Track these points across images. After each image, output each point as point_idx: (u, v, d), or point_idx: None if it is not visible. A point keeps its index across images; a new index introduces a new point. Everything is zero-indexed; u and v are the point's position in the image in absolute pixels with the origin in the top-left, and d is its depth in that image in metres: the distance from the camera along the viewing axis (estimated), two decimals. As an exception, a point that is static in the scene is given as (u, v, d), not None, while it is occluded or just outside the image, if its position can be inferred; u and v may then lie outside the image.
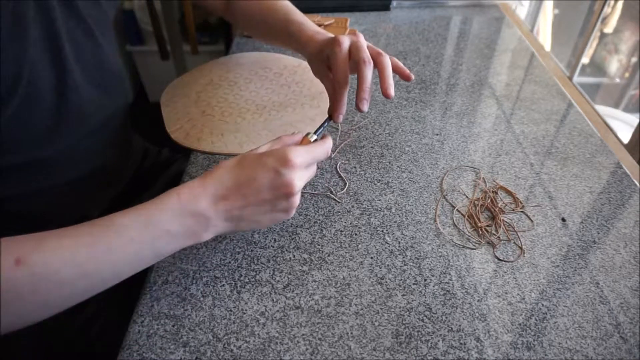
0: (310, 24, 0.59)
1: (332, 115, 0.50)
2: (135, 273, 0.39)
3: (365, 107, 0.47)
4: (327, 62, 0.52)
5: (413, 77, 0.52)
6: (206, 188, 0.39)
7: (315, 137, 0.47)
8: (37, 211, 0.50)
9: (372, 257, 0.48)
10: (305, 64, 0.74)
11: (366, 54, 0.48)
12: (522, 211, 0.53)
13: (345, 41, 0.49)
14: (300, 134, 0.46)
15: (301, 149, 0.41)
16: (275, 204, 0.41)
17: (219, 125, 0.65)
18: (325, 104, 0.70)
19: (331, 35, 0.54)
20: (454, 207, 0.54)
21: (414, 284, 0.46)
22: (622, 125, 1.25)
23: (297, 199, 0.42)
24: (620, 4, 1.46)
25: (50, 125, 0.48)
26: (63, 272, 0.35)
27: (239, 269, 0.47)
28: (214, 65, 0.80)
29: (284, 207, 0.42)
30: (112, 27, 0.56)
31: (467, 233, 0.51)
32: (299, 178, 0.41)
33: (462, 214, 0.53)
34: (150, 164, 0.74)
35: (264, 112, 0.68)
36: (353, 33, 0.51)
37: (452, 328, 0.42)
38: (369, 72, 0.48)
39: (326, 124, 0.49)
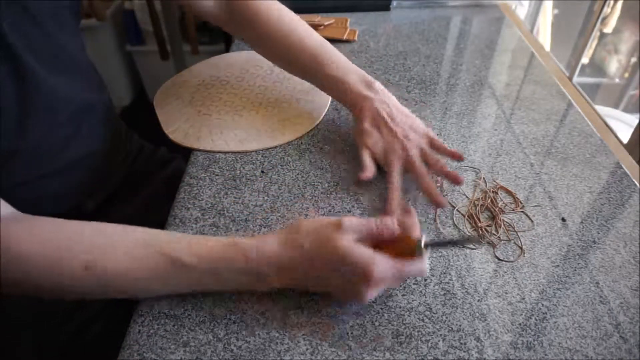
0: (340, 71, 0.60)
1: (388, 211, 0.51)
2: None
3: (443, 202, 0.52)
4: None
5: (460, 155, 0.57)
6: (274, 259, 0.41)
7: (424, 245, 0.40)
8: (27, 200, 0.50)
9: (372, 257, 0.48)
10: None
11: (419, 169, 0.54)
12: (522, 211, 0.53)
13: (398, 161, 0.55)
14: (411, 222, 0.42)
15: (389, 266, 0.39)
16: (346, 293, 0.41)
17: (217, 123, 0.65)
18: (319, 97, 0.70)
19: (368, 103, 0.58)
20: (454, 207, 0.54)
21: (414, 283, 0.46)
22: (622, 125, 1.25)
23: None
24: (620, 4, 1.46)
25: (17, 115, 0.48)
26: (127, 286, 0.41)
27: (239, 268, 0.47)
28: (204, 66, 0.80)
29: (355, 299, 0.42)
30: (70, 17, 0.54)
31: (467, 233, 0.51)
32: (376, 291, 0.41)
33: (462, 214, 0.53)
34: (146, 160, 0.74)
35: (260, 108, 0.68)
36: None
37: (452, 328, 0.42)
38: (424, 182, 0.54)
39: (450, 246, 0.46)
